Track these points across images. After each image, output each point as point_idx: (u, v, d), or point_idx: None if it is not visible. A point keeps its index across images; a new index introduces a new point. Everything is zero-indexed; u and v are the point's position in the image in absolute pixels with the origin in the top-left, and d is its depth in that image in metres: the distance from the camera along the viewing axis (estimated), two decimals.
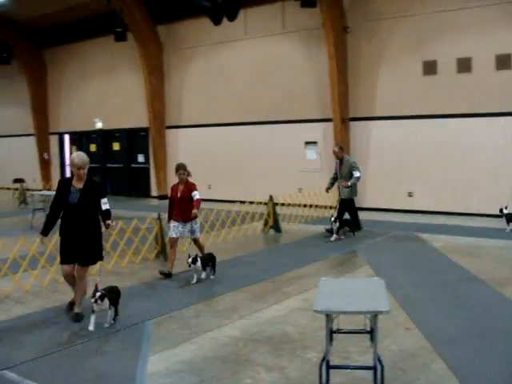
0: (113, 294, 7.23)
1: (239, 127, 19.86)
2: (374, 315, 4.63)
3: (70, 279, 7.60)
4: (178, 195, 9.76)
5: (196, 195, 9.65)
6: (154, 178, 22.39)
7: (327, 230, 13.18)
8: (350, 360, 5.80)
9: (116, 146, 24.21)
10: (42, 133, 26.81)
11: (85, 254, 7.43)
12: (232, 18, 17.72)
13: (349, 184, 12.90)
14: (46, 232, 7.58)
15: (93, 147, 25.26)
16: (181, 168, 9.77)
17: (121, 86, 23.34)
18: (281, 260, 10.97)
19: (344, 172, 13.09)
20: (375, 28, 16.81)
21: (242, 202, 15.07)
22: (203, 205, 10.88)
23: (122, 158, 24.01)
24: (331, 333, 4.85)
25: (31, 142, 26.96)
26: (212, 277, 9.58)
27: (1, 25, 24.40)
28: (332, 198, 15.28)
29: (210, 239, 12.68)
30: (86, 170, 7.45)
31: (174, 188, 9.94)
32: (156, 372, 5.77)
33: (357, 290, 5.12)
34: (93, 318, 7.00)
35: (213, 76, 20.48)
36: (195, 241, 10.10)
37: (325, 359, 4.83)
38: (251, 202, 14.78)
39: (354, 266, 10.42)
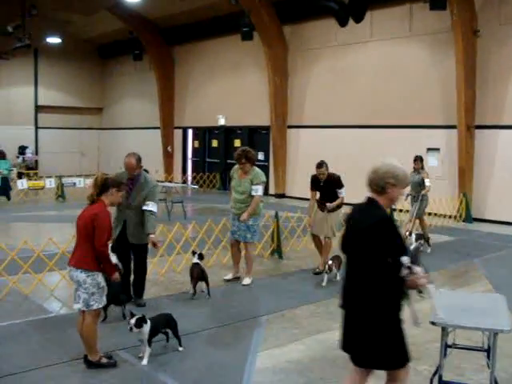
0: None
1: (360, 130, 19.61)
2: (494, 333, 4.45)
3: None
4: None
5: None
6: (272, 176, 22.59)
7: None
8: (464, 377, 5.62)
9: (237, 143, 24.61)
10: (167, 127, 27.76)
11: None
12: (358, 19, 17.58)
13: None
14: None
15: (215, 143, 25.98)
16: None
17: (245, 84, 23.74)
18: None
19: (138, 197, 7.84)
20: (508, 32, 16.07)
21: None
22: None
23: None
24: (446, 347, 4.73)
25: (157, 135, 27.98)
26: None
27: (135, 23, 25.69)
28: (451, 207, 14.81)
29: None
30: None
31: None
32: (264, 368, 5.86)
33: (476, 305, 4.95)
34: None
35: (336, 78, 20.37)
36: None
37: (437, 373, 4.72)
38: None
39: (471, 280, 10.08)
